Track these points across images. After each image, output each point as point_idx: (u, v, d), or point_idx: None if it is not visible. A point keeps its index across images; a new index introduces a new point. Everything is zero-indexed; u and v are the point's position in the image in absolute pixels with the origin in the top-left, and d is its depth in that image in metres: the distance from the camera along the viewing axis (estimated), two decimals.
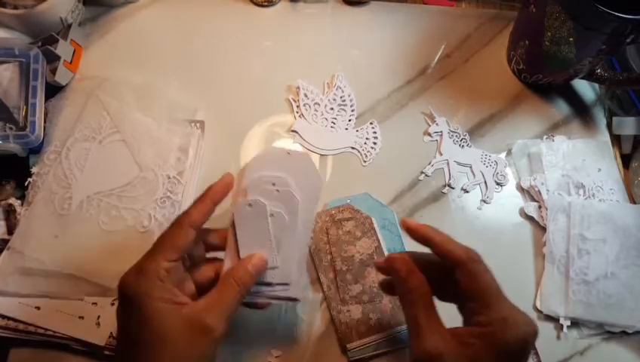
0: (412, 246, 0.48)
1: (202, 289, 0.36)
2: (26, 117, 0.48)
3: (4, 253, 0.44)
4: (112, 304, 0.44)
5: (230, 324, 0.34)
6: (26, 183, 0.47)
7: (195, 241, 0.36)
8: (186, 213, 0.35)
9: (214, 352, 0.33)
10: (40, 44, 0.50)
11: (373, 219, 0.47)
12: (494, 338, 0.32)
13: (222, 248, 0.38)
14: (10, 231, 0.46)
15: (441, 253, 0.35)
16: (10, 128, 0.48)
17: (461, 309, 0.36)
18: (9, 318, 0.42)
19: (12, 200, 0.47)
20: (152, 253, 0.34)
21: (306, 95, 0.54)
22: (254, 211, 0.37)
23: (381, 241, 0.47)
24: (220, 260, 0.37)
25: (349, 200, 0.49)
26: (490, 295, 0.34)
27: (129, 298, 0.32)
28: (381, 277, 0.43)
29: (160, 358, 0.31)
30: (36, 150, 0.49)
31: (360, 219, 0.47)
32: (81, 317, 0.43)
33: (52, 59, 0.50)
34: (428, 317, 0.33)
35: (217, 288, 0.35)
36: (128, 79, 0.53)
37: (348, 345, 0.43)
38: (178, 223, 0.35)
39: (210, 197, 0.36)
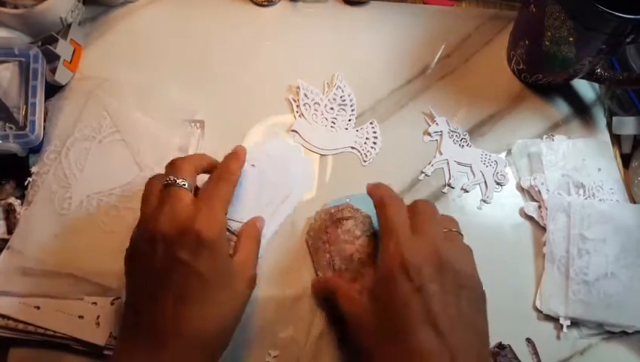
0: None
1: None
2: (25, 116, 0.48)
3: (4, 252, 0.44)
4: (112, 304, 0.43)
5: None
6: (26, 183, 0.47)
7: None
8: (227, 170, 0.41)
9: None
10: (40, 43, 0.50)
11: (372, 218, 0.47)
12: (375, 276, 0.38)
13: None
14: (10, 230, 0.46)
15: (370, 195, 0.43)
16: (10, 128, 0.48)
17: None
18: (9, 318, 0.42)
19: (12, 200, 0.47)
20: (216, 203, 0.38)
21: (306, 95, 0.54)
22: (254, 172, 0.48)
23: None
24: None
25: (348, 200, 0.49)
26: (386, 233, 0.38)
27: (203, 239, 0.35)
28: None
29: (225, 294, 0.36)
30: (36, 149, 0.49)
31: (359, 218, 0.47)
32: (81, 317, 0.43)
33: (52, 58, 0.50)
34: (347, 297, 0.39)
35: (245, 245, 0.41)
36: (128, 79, 0.53)
37: None
38: (226, 180, 0.40)
39: (242, 156, 0.43)
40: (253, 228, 0.42)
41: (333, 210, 0.47)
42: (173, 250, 0.35)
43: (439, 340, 0.32)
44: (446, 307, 0.34)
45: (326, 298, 0.44)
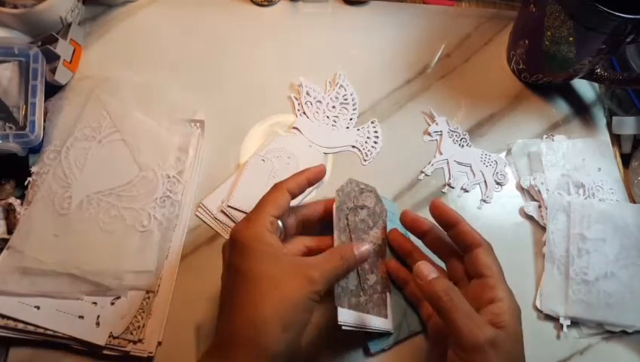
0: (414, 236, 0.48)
1: None
2: (25, 116, 0.48)
3: (4, 252, 0.44)
4: (112, 303, 0.44)
5: (326, 291, 0.37)
6: (26, 182, 0.47)
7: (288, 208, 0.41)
8: (283, 181, 0.41)
9: (311, 308, 0.36)
10: (40, 43, 0.50)
11: (387, 212, 0.47)
12: (512, 309, 0.37)
13: (311, 221, 0.44)
14: (10, 230, 0.46)
15: (464, 234, 0.40)
16: (10, 127, 0.48)
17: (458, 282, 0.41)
18: (8, 318, 0.42)
19: (12, 200, 0.47)
20: (258, 209, 0.39)
21: (308, 93, 0.54)
22: (263, 166, 0.50)
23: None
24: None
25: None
26: (500, 274, 0.39)
27: (241, 243, 0.36)
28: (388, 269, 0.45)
29: (268, 293, 0.35)
30: (36, 149, 0.49)
31: (371, 208, 0.46)
32: (81, 317, 0.43)
33: (52, 58, 0.50)
34: (468, 315, 0.35)
35: (324, 254, 0.39)
36: (128, 78, 0.53)
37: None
38: (276, 187, 0.40)
39: (306, 174, 0.42)
40: (346, 249, 0.39)
41: (362, 185, 0.46)
42: (223, 254, 0.39)
43: None
44: None
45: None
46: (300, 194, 0.42)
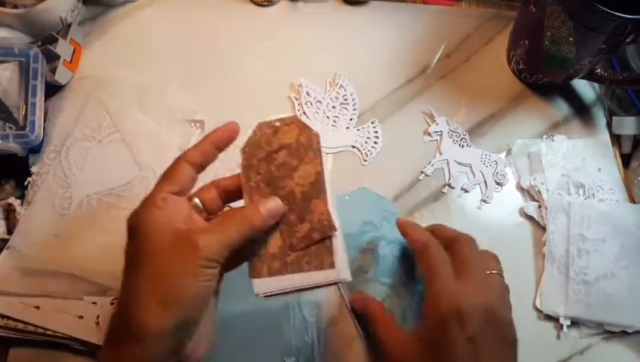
0: None
1: None
2: (25, 116, 0.48)
3: (4, 252, 0.44)
4: (112, 303, 0.43)
5: (226, 254, 0.33)
6: (26, 183, 0.47)
7: (194, 179, 0.36)
8: (184, 152, 0.36)
9: (206, 277, 0.32)
10: (40, 43, 0.50)
11: (319, 136, 0.38)
12: (426, 320, 0.37)
13: (235, 193, 0.38)
14: (10, 230, 0.46)
15: (409, 242, 0.41)
16: (10, 128, 0.48)
17: None
18: (9, 318, 0.42)
19: (12, 200, 0.47)
20: (157, 184, 0.35)
21: (308, 93, 0.54)
22: None
23: (323, 165, 0.37)
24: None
25: (347, 197, 0.49)
26: (432, 277, 0.38)
27: (130, 228, 0.33)
28: (329, 206, 0.36)
29: (147, 271, 0.31)
30: (36, 149, 0.49)
31: (294, 144, 0.37)
32: (81, 317, 0.43)
33: (52, 58, 0.50)
34: (387, 331, 0.39)
35: (220, 217, 0.35)
36: (128, 78, 0.53)
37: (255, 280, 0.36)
38: (175, 160, 0.36)
39: (210, 138, 0.37)
40: (249, 208, 0.35)
41: (278, 123, 0.38)
42: None
43: None
44: (494, 360, 0.36)
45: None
46: (209, 162, 0.37)
